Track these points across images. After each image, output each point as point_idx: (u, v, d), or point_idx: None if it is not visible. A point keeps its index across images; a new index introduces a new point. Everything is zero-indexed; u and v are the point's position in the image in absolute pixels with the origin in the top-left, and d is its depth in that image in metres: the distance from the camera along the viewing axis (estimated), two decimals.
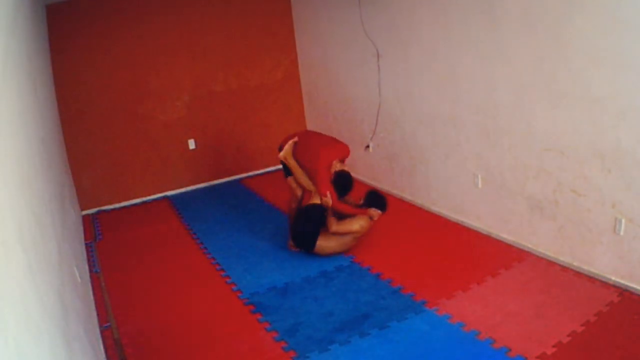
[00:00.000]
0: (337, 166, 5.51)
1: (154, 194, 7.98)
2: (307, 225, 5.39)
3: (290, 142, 5.67)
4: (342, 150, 5.68)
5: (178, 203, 7.64)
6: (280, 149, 5.77)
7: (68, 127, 7.10)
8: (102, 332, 4.43)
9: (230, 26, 7.99)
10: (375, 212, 5.41)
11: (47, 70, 6.14)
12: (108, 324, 4.57)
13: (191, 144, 8.08)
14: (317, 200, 5.42)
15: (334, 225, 5.29)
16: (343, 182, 5.48)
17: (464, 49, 5.33)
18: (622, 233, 4.22)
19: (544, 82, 4.56)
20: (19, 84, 3.33)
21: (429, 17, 5.67)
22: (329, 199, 5.30)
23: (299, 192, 5.73)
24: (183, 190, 8.17)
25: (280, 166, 6.00)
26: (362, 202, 5.48)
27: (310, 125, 8.84)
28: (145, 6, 7.37)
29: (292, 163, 5.62)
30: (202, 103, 8.05)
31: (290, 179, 5.76)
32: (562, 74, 4.38)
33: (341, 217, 5.41)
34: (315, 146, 5.60)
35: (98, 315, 4.70)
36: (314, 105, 8.58)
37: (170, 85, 7.76)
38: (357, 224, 5.33)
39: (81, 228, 6.63)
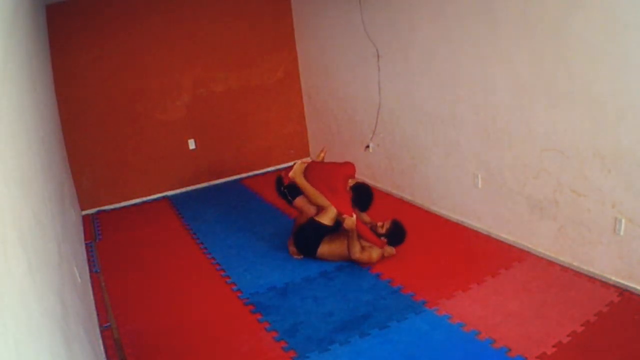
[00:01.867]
0: (350, 182, 5.48)
1: (154, 194, 7.99)
2: (307, 240, 5.35)
3: (300, 162, 5.59)
4: (350, 168, 5.64)
5: (178, 203, 7.64)
6: (279, 181, 5.71)
7: (68, 127, 7.10)
8: (102, 332, 4.43)
9: (230, 26, 7.99)
10: (391, 251, 5.29)
11: (47, 70, 6.14)
12: (108, 324, 4.57)
13: (191, 144, 8.08)
14: (324, 220, 5.26)
15: (358, 254, 5.15)
16: (364, 195, 5.47)
17: (464, 49, 5.33)
18: (622, 233, 4.22)
19: (544, 82, 4.56)
20: (19, 83, 3.32)
21: (429, 18, 5.67)
22: (354, 220, 5.18)
23: (313, 211, 5.46)
24: (183, 190, 8.18)
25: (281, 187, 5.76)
26: (384, 230, 5.29)
27: (311, 125, 8.85)
28: (145, 6, 7.37)
29: (303, 182, 5.43)
30: (202, 103, 8.05)
31: (299, 199, 5.54)
32: (562, 74, 4.38)
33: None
34: (326, 171, 5.55)
35: (98, 315, 4.70)
36: (314, 105, 8.58)
37: (170, 85, 7.77)
38: (375, 254, 5.20)
39: (81, 228, 6.63)
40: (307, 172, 5.57)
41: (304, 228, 5.37)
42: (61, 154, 6.31)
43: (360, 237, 5.25)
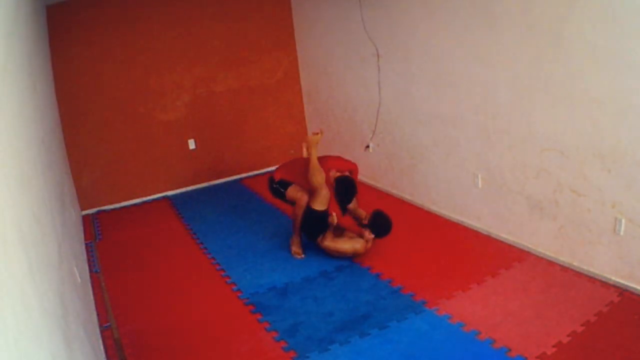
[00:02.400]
0: (333, 174, 5.44)
1: (154, 194, 7.98)
2: (314, 229, 5.35)
3: (312, 134, 5.49)
4: (342, 161, 5.63)
5: (178, 203, 7.65)
6: (271, 180, 5.69)
7: (68, 127, 7.10)
8: (102, 332, 4.43)
9: (230, 26, 7.99)
10: (368, 235, 5.25)
11: (47, 70, 6.14)
12: (108, 324, 4.57)
13: (191, 144, 8.08)
14: (317, 206, 5.24)
15: (328, 241, 5.24)
16: (344, 188, 5.39)
17: (464, 49, 5.33)
18: (622, 233, 4.22)
19: (544, 82, 4.56)
20: (20, 84, 3.32)
21: (429, 17, 5.67)
22: (334, 218, 5.24)
23: (305, 198, 5.36)
24: (183, 190, 8.18)
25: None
26: (366, 220, 5.32)
27: (311, 125, 8.85)
28: (146, 6, 7.37)
29: (314, 152, 5.28)
30: (202, 103, 8.05)
31: (290, 189, 5.50)
32: (562, 74, 4.38)
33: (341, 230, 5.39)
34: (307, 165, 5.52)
35: (98, 315, 4.70)
36: (314, 105, 8.58)
37: (170, 85, 7.77)
38: (350, 246, 5.23)
39: (81, 228, 6.63)
40: (293, 165, 5.68)
41: (306, 220, 5.35)
42: (61, 154, 6.31)
43: (345, 229, 5.32)
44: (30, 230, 2.46)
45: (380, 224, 5.27)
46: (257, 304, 4.74)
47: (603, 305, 4.14)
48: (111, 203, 7.71)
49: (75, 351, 2.68)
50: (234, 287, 5.06)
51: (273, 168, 8.45)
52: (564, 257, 4.81)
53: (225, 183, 8.40)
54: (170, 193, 8.07)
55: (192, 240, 6.26)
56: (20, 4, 3.73)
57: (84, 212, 7.46)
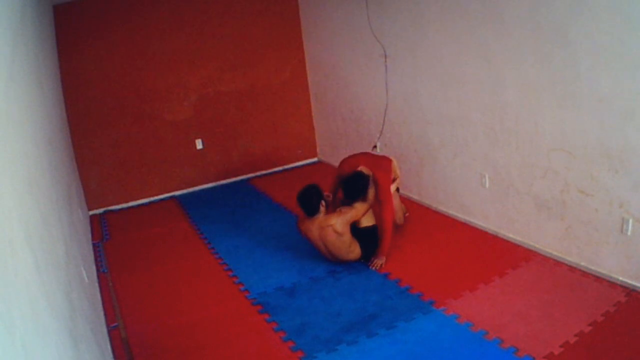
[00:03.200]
0: (363, 168, 5.38)
1: (161, 194, 8.00)
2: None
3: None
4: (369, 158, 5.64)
5: (186, 203, 7.66)
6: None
7: (75, 127, 7.13)
8: (109, 332, 4.44)
9: (238, 26, 8.00)
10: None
11: (54, 70, 6.16)
12: (116, 324, 4.58)
13: (199, 144, 8.10)
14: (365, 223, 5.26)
15: (334, 218, 5.07)
16: (348, 185, 5.26)
17: (471, 49, 5.32)
18: (629, 233, 4.20)
19: (551, 82, 4.55)
20: (27, 83, 3.34)
21: (436, 18, 5.66)
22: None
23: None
24: (191, 190, 8.19)
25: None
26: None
27: (318, 125, 8.86)
28: (153, 6, 7.40)
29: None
30: (209, 103, 8.06)
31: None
32: (569, 74, 4.37)
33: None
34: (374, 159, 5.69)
35: (106, 315, 4.71)
36: (322, 105, 8.58)
37: (177, 85, 7.78)
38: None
39: (89, 228, 6.65)
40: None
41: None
42: (68, 154, 6.33)
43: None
44: (37, 230, 2.47)
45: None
46: (265, 304, 4.74)
47: (610, 305, 4.12)
48: (119, 203, 7.74)
49: (83, 351, 2.69)
50: (242, 287, 5.07)
51: (281, 168, 8.54)
52: (571, 257, 4.79)
53: (233, 183, 8.41)
54: (177, 193, 8.09)
55: (200, 240, 6.27)
56: (27, 4, 3.74)
57: (92, 212, 7.49)
